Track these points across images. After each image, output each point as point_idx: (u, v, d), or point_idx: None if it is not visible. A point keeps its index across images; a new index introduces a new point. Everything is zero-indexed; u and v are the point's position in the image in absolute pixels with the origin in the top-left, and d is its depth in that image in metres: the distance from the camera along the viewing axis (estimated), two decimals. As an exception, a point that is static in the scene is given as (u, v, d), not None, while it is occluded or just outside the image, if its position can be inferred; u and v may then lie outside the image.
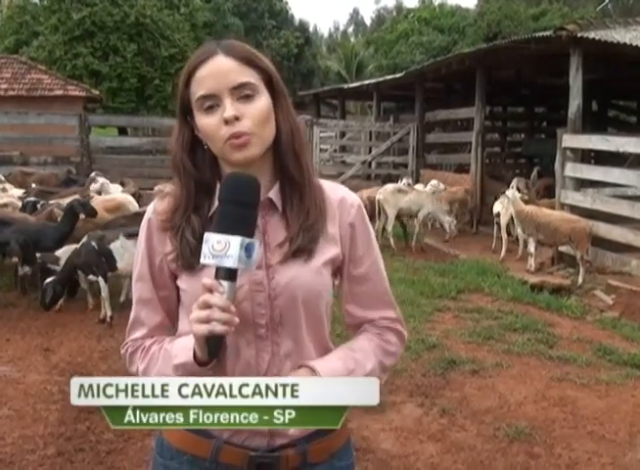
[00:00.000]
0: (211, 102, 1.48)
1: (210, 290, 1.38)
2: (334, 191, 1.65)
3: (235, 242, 1.36)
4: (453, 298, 7.84)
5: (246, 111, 1.47)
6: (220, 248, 1.37)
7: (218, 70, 1.49)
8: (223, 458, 1.56)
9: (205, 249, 1.38)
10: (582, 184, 9.86)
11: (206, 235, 1.39)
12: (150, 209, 1.65)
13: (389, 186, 11.67)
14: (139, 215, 7.47)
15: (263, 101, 1.51)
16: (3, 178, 11.44)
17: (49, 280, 6.36)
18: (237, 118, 1.46)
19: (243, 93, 1.48)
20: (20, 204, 8.83)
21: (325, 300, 1.61)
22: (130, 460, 4.01)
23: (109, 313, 6.45)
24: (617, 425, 4.55)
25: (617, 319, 7.12)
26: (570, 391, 5.10)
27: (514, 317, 6.94)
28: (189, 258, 1.53)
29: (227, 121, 1.46)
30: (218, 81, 1.48)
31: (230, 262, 1.37)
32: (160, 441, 1.66)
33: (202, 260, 1.39)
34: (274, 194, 1.57)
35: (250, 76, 1.50)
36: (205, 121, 1.49)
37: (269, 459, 1.56)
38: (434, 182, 12.49)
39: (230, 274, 1.39)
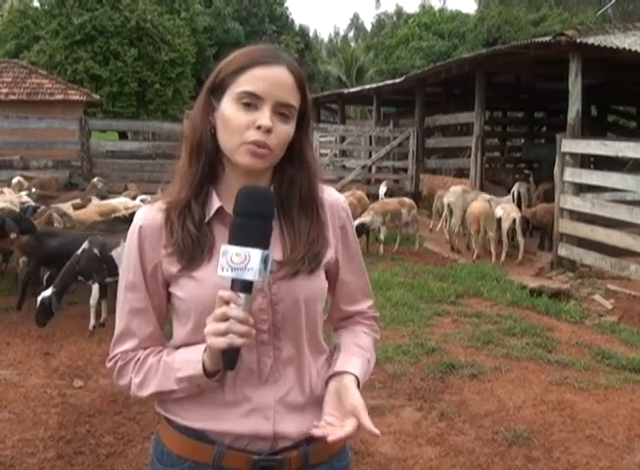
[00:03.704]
0: (252, 101, 1.48)
1: (227, 302, 1.38)
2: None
3: (256, 255, 1.36)
4: (452, 302, 7.84)
5: (277, 128, 1.49)
6: (240, 260, 1.36)
7: (278, 79, 1.50)
8: (226, 463, 1.56)
9: (222, 261, 1.37)
10: (581, 189, 9.88)
11: (224, 247, 1.38)
12: (139, 216, 1.62)
13: (458, 188, 11.89)
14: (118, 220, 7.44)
15: (292, 127, 1.54)
16: (23, 180, 11.78)
17: (48, 293, 6.00)
18: (269, 131, 1.48)
19: (282, 111, 1.50)
20: (16, 208, 8.80)
21: (322, 302, 1.64)
22: (130, 463, 4.01)
23: (92, 322, 6.37)
24: (615, 429, 4.55)
25: (616, 324, 7.13)
26: (568, 395, 5.11)
27: (513, 322, 6.95)
28: (190, 249, 1.53)
29: (260, 128, 1.47)
30: (272, 88, 1.49)
31: (251, 275, 1.36)
32: (159, 447, 1.65)
33: (219, 273, 1.38)
34: None
35: (295, 102, 1.53)
36: (235, 115, 1.49)
37: (272, 462, 1.56)
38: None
39: (247, 286, 1.38)
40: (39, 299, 5.99)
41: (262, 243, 1.39)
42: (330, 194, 1.69)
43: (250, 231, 1.39)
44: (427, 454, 4.16)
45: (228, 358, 1.42)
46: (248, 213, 1.41)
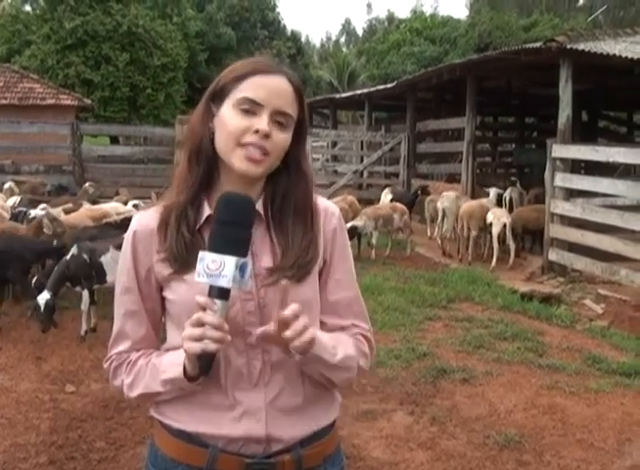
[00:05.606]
0: (251, 107, 1.52)
1: (204, 308, 1.40)
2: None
3: (230, 262, 1.38)
4: (444, 307, 7.86)
5: (274, 135, 1.52)
6: (215, 267, 1.38)
7: (277, 88, 1.54)
8: (220, 467, 1.57)
9: (199, 267, 1.40)
10: (572, 194, 9.92)
11: (201, 254, 1.41)
12: (134, 221, 1.66)
13: (451, 194, 11.97)
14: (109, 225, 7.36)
15: (288, 136, 1.56)
16: (14, 186, 11.74)
17: (47, 295, 5.92)
18: (266, 136, 1.50)
19: (280, 119, 1.53)
20: (6, 214, 8.76)
21: (314, 306, 1.63)
22: (121, 468, 4.01)
23: (84, 327, 6.34)
24: (605, 433, 4.57)
25: (607, 328, 7.15)
26: (559, 399, 5.13)
27: (504, 326, 6.97)
28: (183, 254, 1.55)
29: (258, 132, 1.50)
30: (271, 97, 1.52)
31: (224, 282, 1.38)
32: (153, 450, 1.66)
33: (196, 278, 1.40)
34: (260, 206, 1.60)
35: (293, 111, 1.56)
36: (234, 119, 1.52)
37: (265, 466, 1.58)
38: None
39: (223, 293, 1.40)
40: (42, 302, 5.89)
41: (239, 250, 1.41)
42: (322, 201, 1.70)
43: (226, 239, 1.41)
44: (418, 459, 4.17)
45: (203, 363, 1.45)
46: (225, 221, 1.43)
